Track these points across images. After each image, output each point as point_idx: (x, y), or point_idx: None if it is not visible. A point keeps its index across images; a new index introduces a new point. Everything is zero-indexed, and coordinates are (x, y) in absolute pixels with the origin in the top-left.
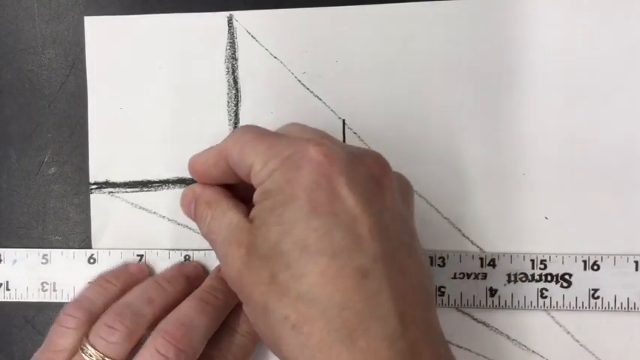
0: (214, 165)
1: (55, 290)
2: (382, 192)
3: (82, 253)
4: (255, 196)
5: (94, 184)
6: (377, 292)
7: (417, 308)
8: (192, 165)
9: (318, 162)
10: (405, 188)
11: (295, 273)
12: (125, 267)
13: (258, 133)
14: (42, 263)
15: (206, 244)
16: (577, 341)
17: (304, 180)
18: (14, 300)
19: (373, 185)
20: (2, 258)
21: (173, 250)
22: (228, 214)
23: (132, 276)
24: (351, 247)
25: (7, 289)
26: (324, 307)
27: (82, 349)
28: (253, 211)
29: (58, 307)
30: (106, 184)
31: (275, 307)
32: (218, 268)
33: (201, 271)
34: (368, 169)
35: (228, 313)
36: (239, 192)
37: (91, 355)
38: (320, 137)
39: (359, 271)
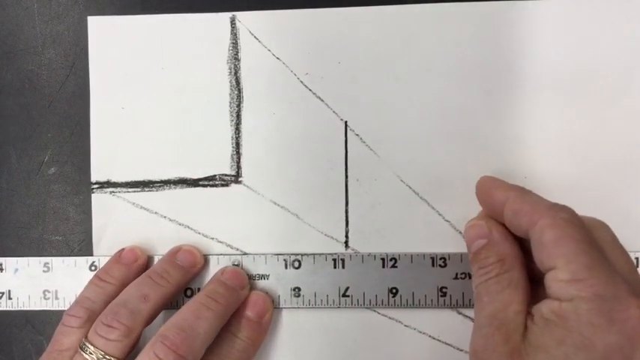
0: (513, 214)
1: (57, 298)
2: None
3: (84, 261)
4: (545, 308)
5: (96, 183)
6: None
7: None
8: (489, 191)
9: (633, 326)
10: None
11: None
12: (118, 259)
13: (582, 236)
14: (43, 271)
15: (206, 248)
16: None
17: (611, 336)
18: (17, 309)
19: None
20: (4, 267)
21: None
22: (513, 293)
23: (127, 267)
24: None
25: (10, 298)
26: None
27: (82, 348)
28: (539, 320)
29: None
30: (108, 184)
31: None
32: (220, 272)
33: (197, 257)
34: None
35: (229, 318)
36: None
37: (91, 353)
38: (632, 278)
39: None
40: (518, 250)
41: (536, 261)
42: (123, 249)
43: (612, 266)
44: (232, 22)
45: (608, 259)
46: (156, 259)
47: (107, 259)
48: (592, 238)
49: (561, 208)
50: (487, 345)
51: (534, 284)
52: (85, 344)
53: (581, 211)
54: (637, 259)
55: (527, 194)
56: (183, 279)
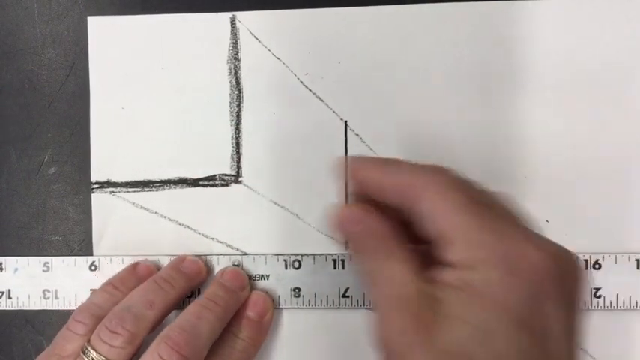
0: (391, 188)
1: (57, 298)
2: (578, 311)
3: (84, 260)
4: (448, 277)
5: (96, 183)
6: None
7: None
8: (360, 168)
9: (536, 272)
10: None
11: None
12: (133, 270)
13: (467, 197)
14: (43, 271)
15: (206, 248)
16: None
17: (519, 290)
18: (16, 308)
19: (573, 302)
20: (3, 266)
21: (173, 255)
22: (398, 265)
23: (140, 280)
24: None
25: (9, 298)
26: None
27: (85, 352)
28: (443, 292)
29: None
30: (108, 184)
31: None
32: (220, 273)
33: (201, 267)
34: (573, 284)
35: (230, 319)
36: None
37: (93, 359)
38: (521, 222)
39: None
40: (390, 223)
41: (428, 231)
42: (138, 262)
43: (501, 214)
44: (232, 22)
45: (494, 207)
46: (156, 259)
47: (107, 258)
48: (476, 193)
49: (434, 172)
50: (394, 327)
51: (421, 252)
52: (87, 349)
53: (581, 211)
54: (637, 260)
55: (401, 167)
56: (187, 286)
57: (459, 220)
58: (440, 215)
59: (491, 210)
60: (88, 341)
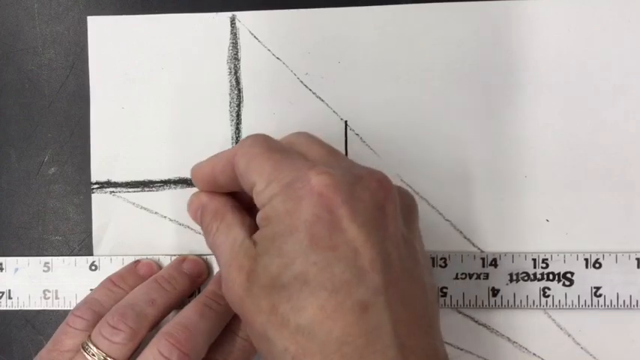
0: (221, 172)
1: (57, 298)
2: (385, 219)
3: (84, 260)
4: (258, 218)
5: (96, 183)
6: (377, 326)
7: (418, 337)
8: (197, 171)
9: (318, 193)
10: (409, 208)
11: (295, 306)
12: (133, 268)
13: (265, 148)
14: (44, 271)
15: (207, 248)
16: (578, 344)
17: (304, 212)
18: (17, 308)
19: (376, 213)
20: (4, 266)
21: (173, 255)
22: (233, 231)
23: (141, 278)
24: (351, 281)
25: (10, 298)
26: (323, 342)
27: (85, 348)
28: (256, 236)
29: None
30: (108, 184)
31: (275, 337)
32: (220, 273)
33: (202, 267)
34: (372, 196)
35: (230, 317)
36: (245, 198)
37: (93, 355)
38: (325, 156)
39: (359, 305)
40: (227, 199)
41: (245, 189)
42: (139, 260)
43: (301, 157)
44: (232, 22)
45: (300, 155)
46: (156, 259)
47: (107, 258)
48: (279, 145)
49: (245, 139)
50: (228, 281)
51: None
52: (87, 345)
53: (581, 210)
54: (638, 259)
55: (221, 153)
56: (188, 287)
57: (256, 166)
58: (245, 168)
59: (284, 152)
60: (89, 337)
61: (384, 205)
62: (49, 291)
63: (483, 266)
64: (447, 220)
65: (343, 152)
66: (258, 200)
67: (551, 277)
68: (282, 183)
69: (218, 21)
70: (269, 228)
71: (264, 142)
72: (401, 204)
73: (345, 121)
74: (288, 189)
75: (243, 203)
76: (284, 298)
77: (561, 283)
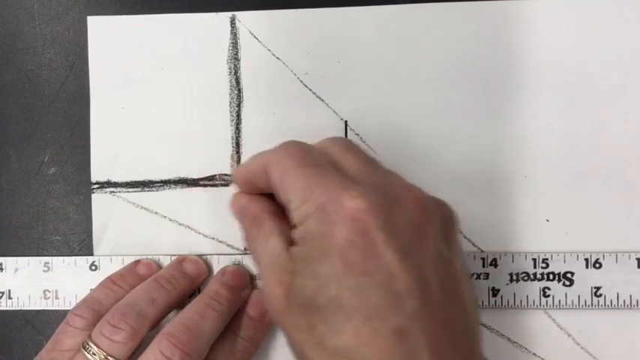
0: (256, 177)
1: (57, 298)
2: (423, 241)
3: (84, 260)
4: (294, 235)
5: (96, 183)
6: (413, 352)
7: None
8: (236, 173)
9: (352, 218)
10: (448, 222)
11: (332, 328)
12: (133, 267)
13: (298, 161)
14: (44, 271)
15: (207, 248)
16: (578, 344)
17: (337, 237)
18: (17, 308)
19: (414, 235)
20: (4, 266)
21: (173, 255)
22: (271, 239)
23: (141, 278)
24: (386, 306)
25: (10, 298)
26: None
27: (85, 347)
28: (293, 252)
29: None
30: (108, 184)
31: (312, 357)
32: (222, 272)
33: (202, 267)
34: (409, 218)
35: (231, 317)
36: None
37: (94, 354)
38: (360, 168)
39: (395, 331)
40: (266, 203)
41: (280, 201)
42: (139, 260)
43: (336, 172)
44: (232, 21)
45: (337, 167)
46: (156, 259)
47: (107, 258)
48: (312, 157)
49: (279, 147)
50: (268, 293)
51: None
52: (88, 344)
53: (581, 210)
54: (638, 259)
55: (257, 156)
56: (188, 287)
57: (291, 181)
58: (280, 182)
59: (317, 168)
60: (89, 336)
61: (422, 227)
62: (49, 291)
63: (483, 266)
64: None
65: None
66: (293, 217)
67: (551, 277)
68: (315, 204)
69: (218, 21)
70: (304, 248)
71: (297, 153)
72: (440, 219)
73: (345, 121)
74: (321, 211)
75: (281, 205)
76: (321, 319)
77: (561, 283)
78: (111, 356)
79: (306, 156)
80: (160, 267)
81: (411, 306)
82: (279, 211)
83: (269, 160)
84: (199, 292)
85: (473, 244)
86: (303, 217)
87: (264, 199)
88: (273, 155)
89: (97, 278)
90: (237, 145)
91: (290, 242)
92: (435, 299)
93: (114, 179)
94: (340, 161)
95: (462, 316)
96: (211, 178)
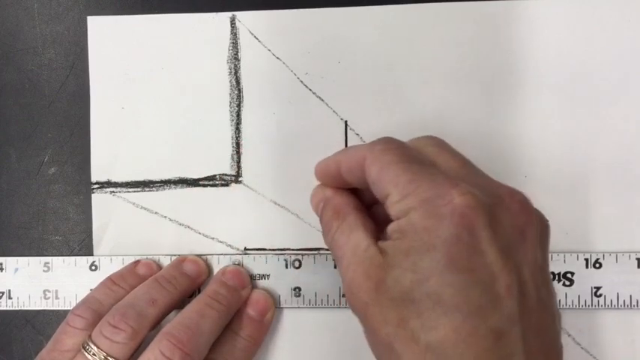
0: (348, 171)
1: (57, 298)
2: (524, 244)
3: (84, 260)
4: (390, 230)
5: (96, 183)
6: (510, 355)
7: None
8: (322, 167)
9: (460, 214)
10: (543, 232)
11: (427, 324)
12: (133, 267)
13: (399, 156)
14: (44, 271)
15: (207, 248)
16: (578, 344)
17: (445, 231)
18: (17, 308)
19: (516, 237)
20: (4, 266)
21: (173, 255)
22: (356, 234)
23: (141, 278)
24: (487, 306)
25: (10, 298)
26: None
27: (85, 348)
28: (387, 246)
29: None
30: (108, 184)
31: (402, 351)
32: (222, 272)
33: (203, 267)
34: (513, 219)
35: (231, 317)
36: (366, 197)
37: (94, 354)
38: (459, 169)
39: (494, 332)
40: (350, 198)
41: (377, 195)
42: (139, 260)
43: (438, 170)
44: (232, 21)
45: (435, 166)
46: (156, 259)
47: (107, 258)
48: (412, 154)
49: (377, 143)
50: (352, 286)
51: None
52: (88, 344)
53: (581, 210)
54: (638, 259)
55: (349, 151)
56: (189, 287)
57: (391, 176)
58: (378, 176)
59: (421, 164)
60: (89, 336)
61: (524, 230)
62: (49, 291)
63: None
64: None
65: None
66: (392, 211)
67: (551, 276)
68: (420, 198)
69: (218, 21)
70: (404, 241)
71: (397, 149)
72: (539, 226)
73: (345, 121)
74: (427, 205)
75: (364, 201)
76: (414, 313)
77: (561, 282)
78: (111, 357)
79: (407, 152)
80: (159, 267)
81: (510, 308)
82: (362, 206)
83: (363, 154)
84: (199, 292)
85: None
86: (404, 210)
87: (347, 193)
88: (372, 151)
89: (97, 278)
90: (237, 145)
91: (375, 237)
92: (531, 304)
93: (114, 179)
94: (437, 160)
95: (552, 326)
96: (211, 178)
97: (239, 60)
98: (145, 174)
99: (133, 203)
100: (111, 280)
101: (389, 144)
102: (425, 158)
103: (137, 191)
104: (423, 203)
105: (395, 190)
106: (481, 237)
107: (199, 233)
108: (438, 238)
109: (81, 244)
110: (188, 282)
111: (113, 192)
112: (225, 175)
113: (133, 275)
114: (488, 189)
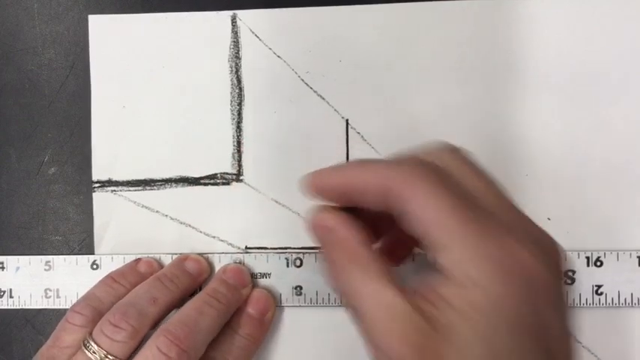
0: (362, 192)
1: (58, 297)
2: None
3: (85, 259)
4: (447, 294)
5: (97, 182)
6: None
7: None
8: (322, 180)
9: (528, 270)
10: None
11: None
12: (134, 265)
13: (452, 200)
14: (45, 270)
15: (208, 246)
16: (579, 342)
17: (522, 303)
18: (18, 307)
19: (563, 298)
20: (5, 265)
21: (175, 254)
22: (386, 290)
23: (141, 276)
24: None
25: (11, 297)
26: None
27: (85, 346)
28: (443, 315)
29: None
30: (109, 183)
31: None
32: (222, 270)
33: (204, 266)
34: (560, 281)
35: (231, 315)
36: (364, 211)
37: (94, 352)
38: (495, 203)
39: None
40: (359, 230)
41: (415, 232)
42: (140, 258)
43: (482, 205)
44: (233, 20)
45: (479, 203)
46: (158, 258)
47: (108, 257)
48: (452, 182)
49: (403, 162)
50: (385, 349)
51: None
52: (88, 342)
53: (582, 209)
54: (639, 257)
55: (364, 167)
56: (190, 286)
57: (452, 225)
58: (424, 215)
59: (477, 209)
60: (90, 335)
61: (560, 289)
62: (50, 290)
63: None
64: None
65: (344, 151)
66: (446, 264)
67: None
68: (492, 262)
69: (219, 20)
70: (475, 316)
71: (434, 175)
72: None
73: (347, 120)
74: (501, 274)
75: (362, 217)
76: None
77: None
78: (111, 355)
79: (447, 180)
80: (160, 265)
81: None
82: (370, 238)
83: (394, 177)
84: (200, 291)
85: None
86: (474, 278)
87: (352, 221)
88: (398, 174)
89: (98, 277)
90: (238, 144)
91: (400, 288)
92: None
93: (115, 178)
94: (462, 180)
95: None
96: (212, 176)
97: (240, 59)
98: (146, 173)
99: (134, 202)
100: (111, 278)
101: (420, 168)
102: (463, 187)
103: (138, 190)
104: (496, 269)
105: (454, 245)
106: (547, 304)
107: (200, 232)
108: (515, 310)
109: (81, 244)
110: (189, 280)
111: (114, 191)
112: (226, 173)
113: (134, 273)
114: (540, 249)
